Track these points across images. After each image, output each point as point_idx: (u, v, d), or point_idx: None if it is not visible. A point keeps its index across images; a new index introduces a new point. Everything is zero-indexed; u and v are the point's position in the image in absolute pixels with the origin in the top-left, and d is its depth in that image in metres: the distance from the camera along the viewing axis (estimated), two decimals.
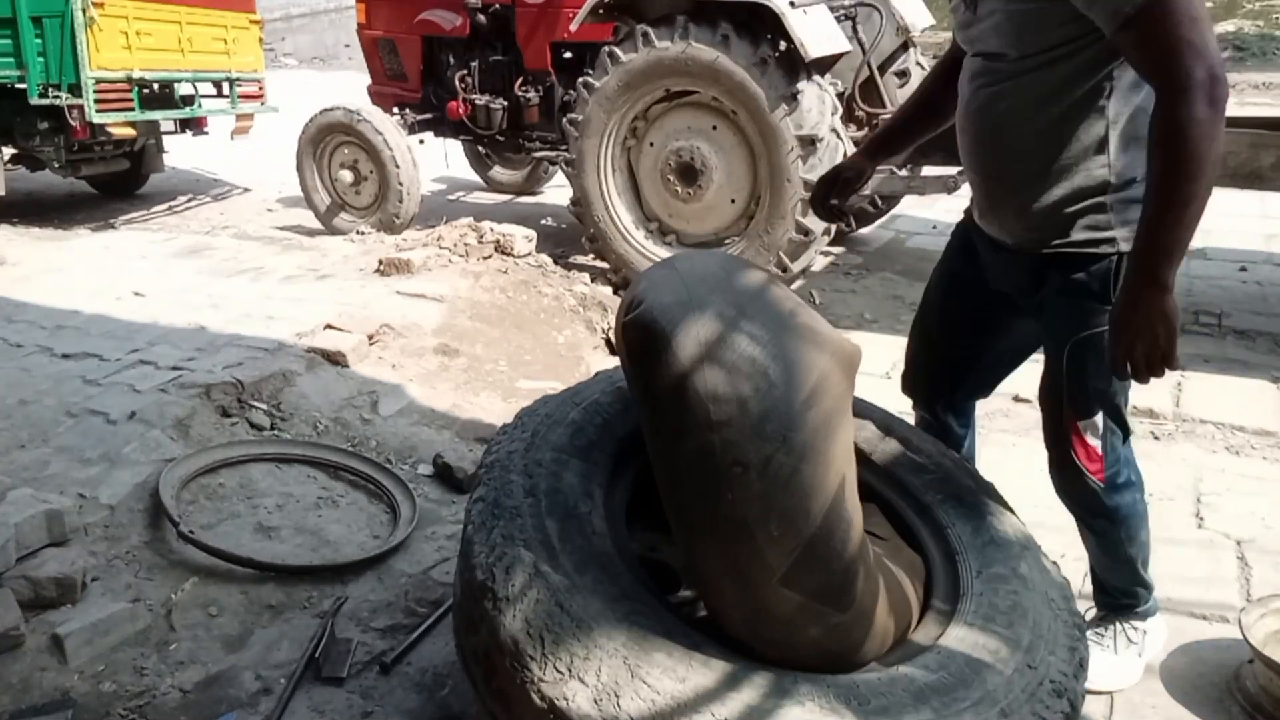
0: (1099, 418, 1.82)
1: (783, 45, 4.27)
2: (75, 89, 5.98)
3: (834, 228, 4.59)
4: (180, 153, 8.25)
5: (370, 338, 3.68)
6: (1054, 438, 1.90)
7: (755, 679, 1.41)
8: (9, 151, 6.67)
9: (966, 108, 1.84)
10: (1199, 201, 1.49)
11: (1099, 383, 1.79)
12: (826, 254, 5.44)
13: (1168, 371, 1.56)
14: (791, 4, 4.22)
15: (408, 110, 6.02)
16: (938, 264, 2.14)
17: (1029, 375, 3.76)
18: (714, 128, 4.59)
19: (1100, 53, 1.63)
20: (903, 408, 3.06)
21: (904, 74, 5.27)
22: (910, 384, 2.23)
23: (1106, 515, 1.91)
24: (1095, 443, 1.84)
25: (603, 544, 1.58)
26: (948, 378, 2.16)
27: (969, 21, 1.79)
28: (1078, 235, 1.75)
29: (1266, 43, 12.64)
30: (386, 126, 5.59)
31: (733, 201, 4.67)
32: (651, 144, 4.77)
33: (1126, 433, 1.88)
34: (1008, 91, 1.73)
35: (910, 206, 6.13)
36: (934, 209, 6.28)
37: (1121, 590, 2.06)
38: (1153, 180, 1.52)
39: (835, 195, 2.19)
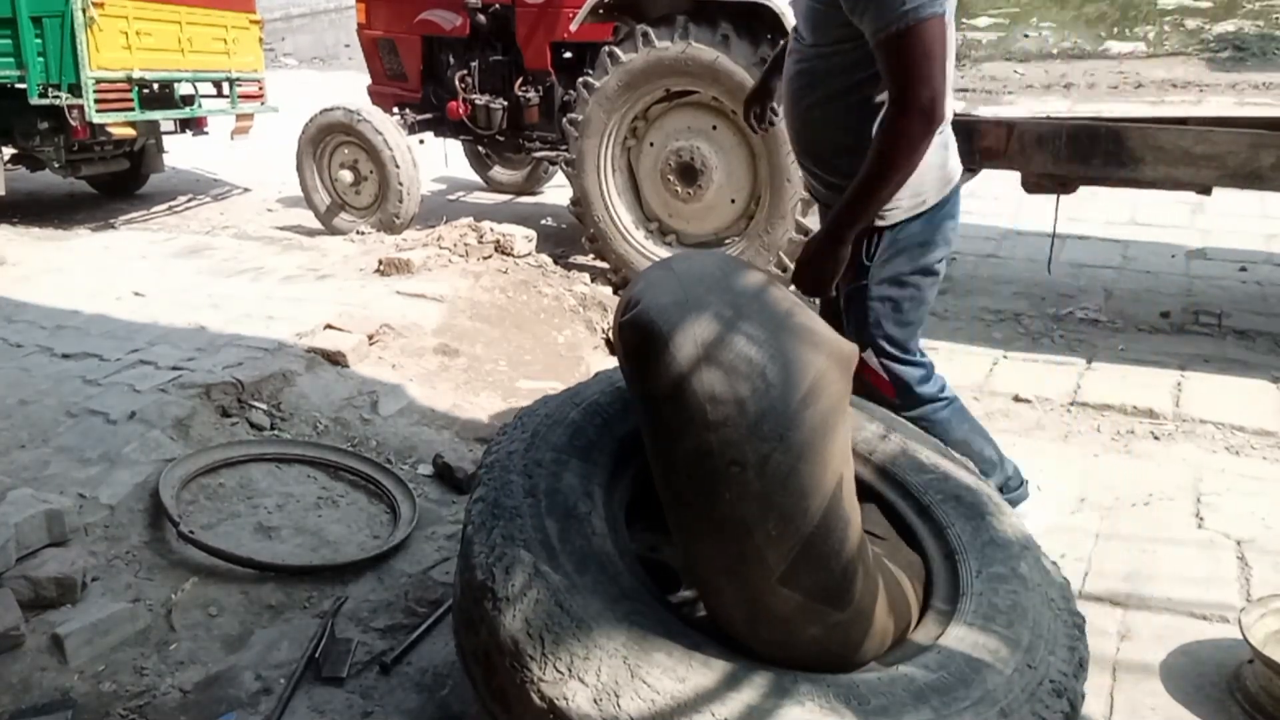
0: (869, 353, 2.20)
1: (782, 45, 4.27)
2: (75, 89, 5.98)
3: None
4: (180, 153, 8.25)
5: (370, 338, 3.68)
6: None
7: (755, 679, 1.41)
8: (9, 151, 6.67)
9: (785, 73, 2.21)
10: (887, 192, 1.94)
11: (861, 329, 2.20)
12: None
13: (826, 294, 2.12)
14: (791, 4, 4.22)
15: (408, 110, 6.02)
16: None
17: (1028, 376, 3.77)
18: (714, 128, 4.59)
19: (870, 53, 1.91)
20: None
21: None
22: None
23: (917, 419, 2.23)
24: (875, 367, 2.22)
25: (603, 544, 1.58)
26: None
27: None
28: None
29: (1266, 43, 12.62)
30: (386, 126, 5.59)
31: (733, 201, 4.67)
32: (651, 144, 4.77)
33: (912, 359, 2.24)
34: (806, 70, 2.09)
35: None
36: None
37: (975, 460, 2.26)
38: (864, 165, 1.90)
39: (757, 111, 2.66)
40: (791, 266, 4.47)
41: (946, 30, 1.88)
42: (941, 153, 2.09)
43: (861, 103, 2.00)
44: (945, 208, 2.16)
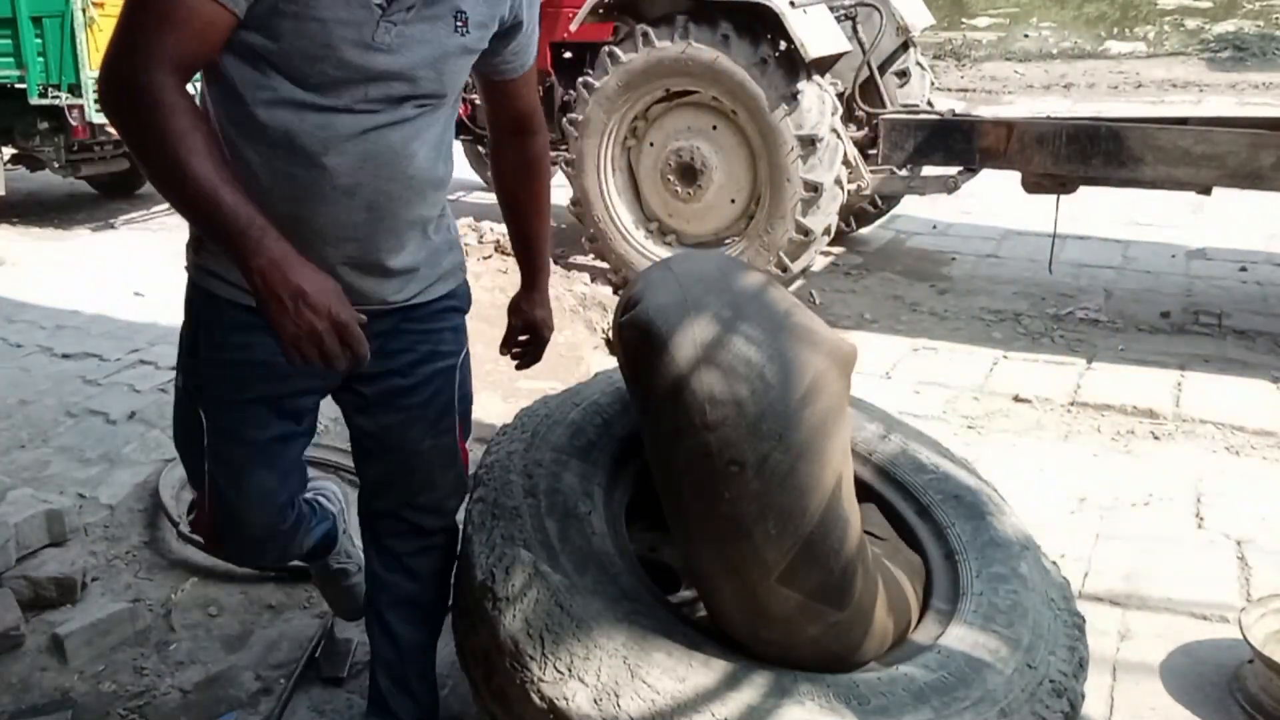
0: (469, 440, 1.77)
1: (783, 45, 4.27)
2: (75, 89, 5.98)
3: (834, 228, 4.59)
4: None
5: None
6: (451, 467, 1.73)
7: (755, 679, 1.41)
8: (9, 151, 6.67)
9: (367, 146, 1.42)
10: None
11: (465, 407, 1.75)
12: (826, 254, 5.44)
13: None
14: (791, 4, 4.22)
15: None
16: (225, 378, 1.52)
17: (1028, 376, 3.76)
18: (714, 128, 4.58)
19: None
20: (903, 407, 3.05)
21: (904, 74, 5.26)
22: (248, 534, 1.62)
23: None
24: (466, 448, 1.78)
25: (603, 544, 1.58)
26: (285, 487, 1.64)
27: (382, 47, 1.37)
28: (452, 265, 1.65)
29: (1266, 43, 12.62)
30: None
31: (733, 201, 4.67)
32: (651, 144, 4.76)
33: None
34: (409, 129, 1.47)
35: (910, 206, 6.12)
36: (934, 209, 6.28)
37: None
38: (537, 205, 1.84)
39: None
40: (792, 266, 4.51)
41: None
42: None
43: (446, 157, 1.59)
44: None
